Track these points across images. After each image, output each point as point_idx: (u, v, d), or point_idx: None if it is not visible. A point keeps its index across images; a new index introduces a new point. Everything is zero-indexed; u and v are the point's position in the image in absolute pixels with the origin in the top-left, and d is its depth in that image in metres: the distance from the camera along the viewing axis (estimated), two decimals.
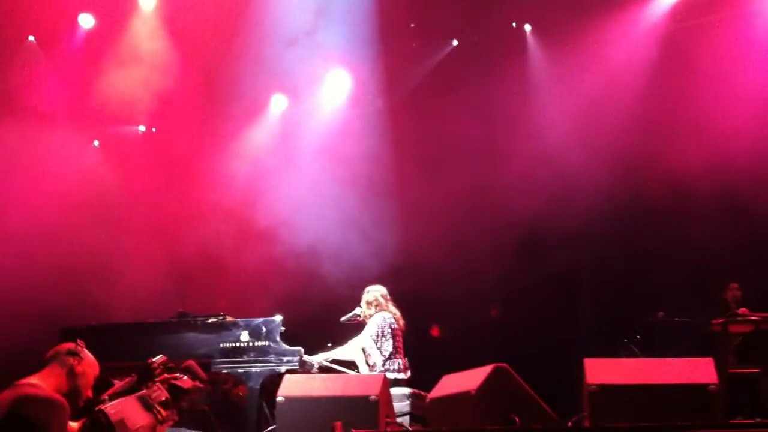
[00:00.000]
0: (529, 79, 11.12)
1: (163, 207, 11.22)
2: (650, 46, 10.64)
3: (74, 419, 4.47)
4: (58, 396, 4.31)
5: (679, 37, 10.52)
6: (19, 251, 10.26)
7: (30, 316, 9.83)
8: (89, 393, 4.58)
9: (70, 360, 4.51)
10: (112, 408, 4.37)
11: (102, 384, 4.81)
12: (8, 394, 4.33)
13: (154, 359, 4.70)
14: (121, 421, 4.32)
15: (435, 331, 11.44)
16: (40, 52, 11.02)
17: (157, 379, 4.62)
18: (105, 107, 11.11)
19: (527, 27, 11.41)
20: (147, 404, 4.48)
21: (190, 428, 8.61)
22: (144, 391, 4.53)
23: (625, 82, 10.48)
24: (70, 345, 4.60)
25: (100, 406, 4.40)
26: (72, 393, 4.47)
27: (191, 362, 5.03)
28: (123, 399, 4.47)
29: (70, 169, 11.04)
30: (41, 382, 4.40)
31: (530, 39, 11.43)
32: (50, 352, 4.60)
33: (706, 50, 10.13)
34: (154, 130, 12.15)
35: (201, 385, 4.99)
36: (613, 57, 10.66)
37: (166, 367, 4.73)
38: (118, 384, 4.68)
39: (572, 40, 10.82)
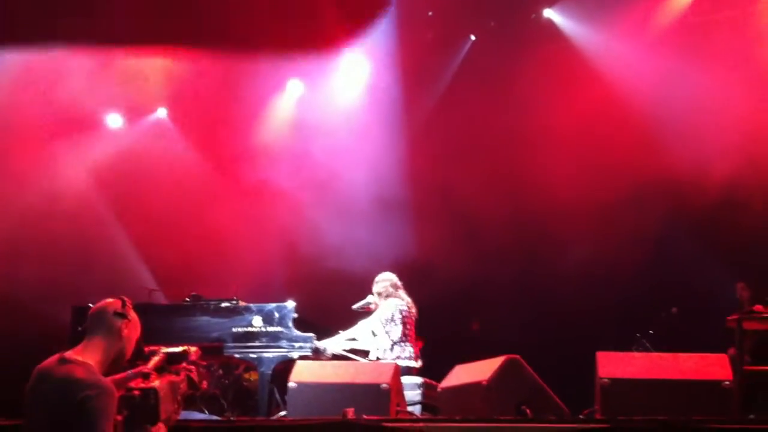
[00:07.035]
0: (549, 66, 10.98)
1: (181, 190, 11.25)
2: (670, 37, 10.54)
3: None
4: (109, 383, 3.99)
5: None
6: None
7: (38, 295, 9.91)
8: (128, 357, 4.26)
9: (118, 324, 4.19)
10: (161, 390, 4.07)
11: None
12: (58, 369, 4.00)
13: (191, 349, 4.41)
14: (162, 403, 4.05)
15: (475, 325, 11.28)
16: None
17: (183, 369, 4.37)
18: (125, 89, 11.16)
19: (547, 12, 11.28)
20: (175, 392, 4.19)
21: (201, 412, 8.66)
22: (174, 377, 4.23)
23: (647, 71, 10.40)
24: (117, 304, 4.26)
25: (151, 384, 4.10)
26: (116, 360, 4.18)
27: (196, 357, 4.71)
28: (166, 380, 4.17)
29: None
30: (88, 359, 4.05)
31: (550, 26, 11.30)
32: (94, 312, 4.23)
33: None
34: (166, 112, 12.06)
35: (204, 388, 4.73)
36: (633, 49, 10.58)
37: (192, 361, 4.46)
38: (153, 360, 4.39)
39: (594, 26, 10.74)
